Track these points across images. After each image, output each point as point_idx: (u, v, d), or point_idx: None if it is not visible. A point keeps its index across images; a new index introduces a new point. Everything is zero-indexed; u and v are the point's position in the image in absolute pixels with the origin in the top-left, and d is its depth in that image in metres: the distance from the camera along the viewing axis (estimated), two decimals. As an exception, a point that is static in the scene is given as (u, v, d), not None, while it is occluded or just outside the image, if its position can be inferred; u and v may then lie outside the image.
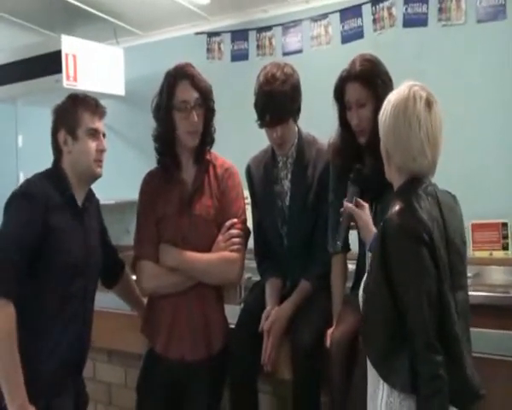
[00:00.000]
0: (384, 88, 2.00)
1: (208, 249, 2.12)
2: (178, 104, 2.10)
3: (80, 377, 2.11)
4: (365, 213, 1.88)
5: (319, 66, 4.01)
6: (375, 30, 4.01)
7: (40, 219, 1.89)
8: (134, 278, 2.41)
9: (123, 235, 3.92)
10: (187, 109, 2.09)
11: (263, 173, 2.33)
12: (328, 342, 1.95)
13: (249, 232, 2.21)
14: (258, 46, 4.46)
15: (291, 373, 2.06)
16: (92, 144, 2.03)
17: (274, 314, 2.13)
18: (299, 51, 4.28)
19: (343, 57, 4.14)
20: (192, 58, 4.66)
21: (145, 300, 2.32)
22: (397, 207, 1.50)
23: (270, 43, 4.41)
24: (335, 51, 4.08)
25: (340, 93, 2.05)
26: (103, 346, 2.63)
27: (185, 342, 2.09)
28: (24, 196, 1.93)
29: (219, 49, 4.63)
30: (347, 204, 1.89)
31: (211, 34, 4.65)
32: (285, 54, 4.33)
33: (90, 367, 2.73)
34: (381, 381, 1.51)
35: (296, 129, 2.28)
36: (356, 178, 1.93)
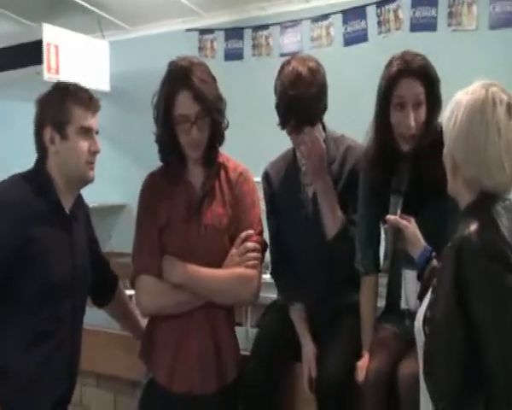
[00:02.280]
0: (439, 90, 1.77)
1: (219, 264, 1.85)
2: (177, 117, 1.82)
3: None
4: (412, 225, 1.64)
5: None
6: (379, 33, 3.81)
7: (16, 231, 1.61)
8: (129, 293, 2.14)
9: (104, 240, 3.65)
10: (187, 124, 1.81)
11: (284, 180, 2.08)
12: (360, 377, 1.71)
13: (266, 245, 1.96)
14: (254, 45, 4.23)
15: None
16: (84, 144, 1.75)
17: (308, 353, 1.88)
18: (298, 53, 4.05)
19: (345, 60, 3.95)
20: (182, 55, 4.53)
21: (144, 320, 2.04)
22: (475, 226, 1.27)
23: (267, 43, 4.18)
24: (337, 54, 3.88)
25: (389, 90, 1.76)
26: (91, 369, 2.33)
27: (193, 374, 1.81)
28: None
29: (212, 47, 4.38)
30: (391, 216, 1.65)
31: (203, 31, 4.41)
32: (283, 55, 4.07)
33: (77, 392, 2.42)
34: None
35: (321, 127, 2.04)
36: (398, 188, 1.68)
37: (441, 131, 1.76)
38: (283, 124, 1.96)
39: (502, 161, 1.31)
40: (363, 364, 1.73)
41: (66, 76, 4.07)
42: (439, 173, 1.70)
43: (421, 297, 1.47)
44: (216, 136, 1.89)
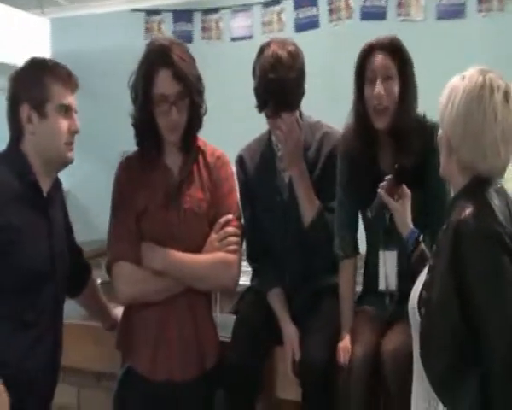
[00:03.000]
0: (412, 71, 1.81)
1: (199, 249, 1.81)
2: (156, 97, 1.75)
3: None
4: (404, 207, 1.68)
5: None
6: (330, 21, 3.87)
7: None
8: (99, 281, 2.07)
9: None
10: (166, 104, 1.76)
11: (259, 165, 2.06)
12: (342, 359, 1.74)
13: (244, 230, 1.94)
14: (203, 29, 4.17)
15: (296, 393, 1.82)
16: (64, 123, 1.66)
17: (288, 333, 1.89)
18: (249, 37, 4.04)
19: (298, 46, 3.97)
20: (128, 37, 4.40)
21: (115, 308, 1.98)
22: (470, 209, 1.31)
23: (218, 27, 4.13)
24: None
25: (362, 65, 1.80)
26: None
27: (174, 361, 1.77)
28: None
29: (159, 29, 4.29)
30: (382, 192, 1.68)
31: (150, 12, 4.30)
32: (233, 39, 4.08)
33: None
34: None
35: (298, 113, 2.04)
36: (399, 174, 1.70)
37: (421, 121, 1.84)
38: (261, 107, 1.94)
39: (497, 146, 1.35)
40: (344, 346, 1.76)
41: (2, 54, 3.87)
42: (417, 161, 1.76)
43: (413, 279, 1.50)
44: (194, 119, 1.84)
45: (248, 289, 2.11)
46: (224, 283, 1.84)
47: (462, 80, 1.39)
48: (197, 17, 4.17)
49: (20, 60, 4.21)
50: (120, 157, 4.69)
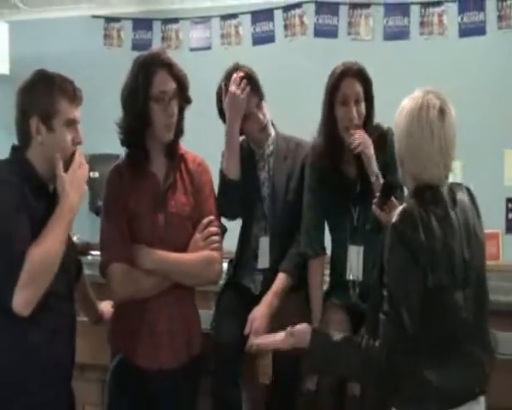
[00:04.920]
0: (372, 92, 2.08)
1: (184, 248, 1.99)
2: (156, 95, 1.94)
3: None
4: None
5: (229, 65, 4.00)
6: (286, 36, 4.11)
7: (24, 206, 1.67)
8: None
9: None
10: (165, 100, 1.95)
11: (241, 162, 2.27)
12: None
13: (225, 229, 2.13)
14: (163, 38, 4.33)
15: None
16: (69, 136, 1.79)
17: (251, 315, 2.09)
18: (208, 48, 4.23)
19: (254, 58, 4.19)
20: (87, 43, 4.48)
21: (100, 303, 2.13)
22: (400, 208, 1.58)
23: (177, 37, 4.30)
24: (246, 52, 4.10)
25: (334, 89, 2.06)
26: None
27: (164, 350, 1.94)
28: (2, 184, 1.70)
29: (119, 36, 4.40)
30: (375, 208, 1.90)
31: (109, 19, 4.40)
32: (193, 49, 4.25)
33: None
34: None
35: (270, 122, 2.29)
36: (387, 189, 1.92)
37: (382, 132, 2.11)
38: None
39: (436, 158, 1.59)
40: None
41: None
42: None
43: None
44: (179, 125, 2.03)
45: (228, 281, 2.31)
46: (209, 278, 2.04)
47: (408, 100, 1.63)
48: (157, 26, 4.32)
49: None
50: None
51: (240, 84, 2.15)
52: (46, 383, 1.73)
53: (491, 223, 3.75)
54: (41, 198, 1.74)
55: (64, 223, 1.72)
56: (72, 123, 1.78)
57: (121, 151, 2.14)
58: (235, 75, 2.17)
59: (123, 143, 2.04)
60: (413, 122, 1.60)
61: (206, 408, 2.22)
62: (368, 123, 2.09)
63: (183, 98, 2.02)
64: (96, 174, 3.52)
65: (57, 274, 1.69)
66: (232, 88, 2.15)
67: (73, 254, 1.91)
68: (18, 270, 1.62)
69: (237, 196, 2.20)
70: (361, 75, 2.07)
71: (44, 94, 1.74)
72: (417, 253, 1.53)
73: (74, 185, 1.75)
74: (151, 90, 1.94)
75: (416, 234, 1.53)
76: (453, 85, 3.74)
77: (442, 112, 1.60)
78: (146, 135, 1.99)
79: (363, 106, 2.07)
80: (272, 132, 2.28)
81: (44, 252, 1.65)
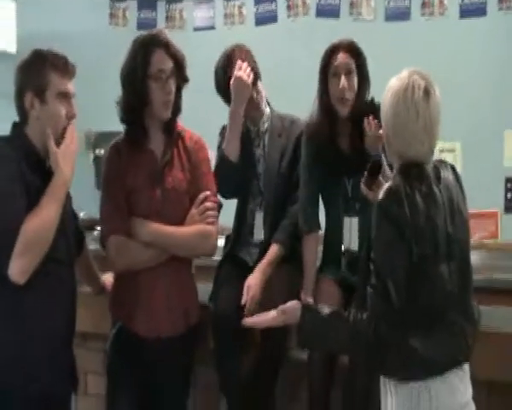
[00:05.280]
0: (366, 67, 2.18)
1: (181, 222, 2.07)
2: (155, 73, 2.02)
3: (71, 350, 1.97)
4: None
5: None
6: (288, 16, 4.14)
7: (21, 180, 1.75)
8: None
9: None
10: (162, 79, 2.03)
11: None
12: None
13: (221, 205, 2.21)
14: (167, 17, 4.37)
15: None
16: (62, 109, 1.87)
17: (246, 283, 2.19)
18: (212, 28, 4.27)
19: (257, 38, 4.25)
20: (92, 21, 4.53)
21: (102, 275, 2.22)
22: (386, 185, 1.65)
23: (181, 16, 4.34)
24: (249, 32, 4.14)
25: (327, 63, 2.15)
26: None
27: (162, 318, 2.03)
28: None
29: (124, 16, 4.44)
30: (363, 187, 1.96)
31: (115, -1, 4.45)
32: (196, 29, 4.30)
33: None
34: None
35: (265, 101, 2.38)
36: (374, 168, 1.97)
37: (373, 105, 2.17)
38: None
39: (421, 136, 1.65)
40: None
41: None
42: None
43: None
44: (177, 103, 2.10)
45: (226, 256, 2.41)
46: (204, 251, 2.12)
47: (395, 81, 1.69)
48: (161, 6, 4.36)
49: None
50: (85, 136, 4.83)
51: (245, 70, 2.23)
52: (44, 349, 1.81)
53: (491, 202, 3.82)
54: (38, 173, 1.82)
55: (58, 196, 1.79)
56: (64, 96, 1.85)
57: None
58: (239, 62, 2.24)
59: (122, 120, 2.11)
60: (399, 102, 1.65)
61: (201, 379, 2.33)
62: (360, 96, 2.16)
63: (181, 77, 2.09)
64: (103, 152, 3.63)
65: (56, 240, 1.77)
66: (239, 73, 2.22)
67: (73, 222, 1.99)
68: (13, 239, 1.69)
69: (236, 177, 2.30)
70: (353, 50, 2.16)
71: (37, 70, 1.82)
72: (402, 227, 1.59)
73: (67, 160, 1.82)
74: (149, 68, 2.01)
75: (401, 209, 1.59)
76: (453, 66, 3.82)
77: (427, 92, 1.66)
78: (144, 113, 2.07)
79: (355, 79, 2.15)
80: (267, 110, 2.36)
81: (38, 224, 1.73)
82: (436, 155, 1.77)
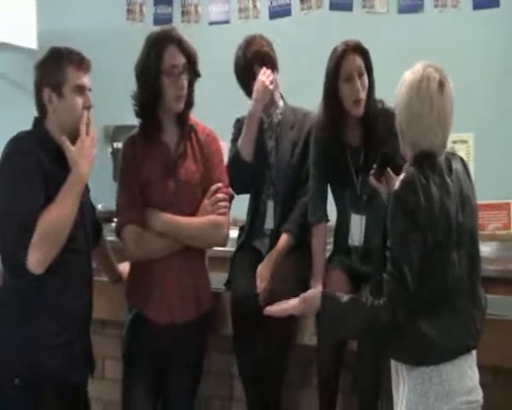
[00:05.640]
0: (372, 65, 2.21)
1: (194, 213, 2.15)
2: (168, 69, 2.09)
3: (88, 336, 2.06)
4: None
5: (247, 38, 4.10)
6: (302, 9, 4.18)
7: (41, 173, 1.84)
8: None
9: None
10: (175, 74, 2.10)
11: None
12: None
13: (233, 196, 2.28)
14: (183, 12, 4.43)
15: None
16: (79, 101, 1.95)
17: (258, 270, 2.27)
18: (226, 22, 4.33)
19: (271, 32, 4.28)
20: (111, 17, 4.62)
21: (120, 264, 2.31)
22: (401, 176, 1.70)
23: (196, 11, 4.40)
24: (264, 26, 4.16)
25: (337, 67, 2.18)
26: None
27: (176, 305, 2.12)
28: (21, 154, 1.86)
29: (141, 11, 4.51)
30: (372, 179, 1.98)
31: (132, -6, 4.52)
32: (211, 23, 4.36)
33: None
34: None
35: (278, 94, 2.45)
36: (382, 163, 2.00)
37: (382, 107, 2.23)
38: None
39: (435, 128, 1.70)
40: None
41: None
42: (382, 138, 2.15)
43: None
44: (189, 97, 2.17)
45: (242, 243, 2.50)
46: (216, 241, 2.20)
47: (409, 74, 1.74)
48: (177, 1, 4.42)
49: (6, 38, 4.41)
50: (103, 131, 4.92)
51: (269, 76, 2.32)
52: (62, 335, 1.90)
53: (503, 193, 3.83)
54: (58, 166, 1.91)
55: (74, 191, 1.87)
56: (81, 89, 1.94)
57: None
58: (264, 68, 2.34)
59: (137, 114, 2.20)
60: (413, 94, 1.70)
61: (214, 365, 2.41)
62: (370, 93, 2.21)
63: (193, 72, 2.16)
64: (120, 145, 3.71)
65: (74, 232, 1.87)
66: (263, 78, 2.32)
67: (91, 214, 2.09)
68: (30, 232, 1.77)
69: (248, 175, 2.36)
70: (360, 49, 2.20)
71: (54, 66, 1.92)
72: (417, 215, 1.64)
73: (83, 156, 1.90)
74: (162, 64, 2.09)
75: (416, 199, 1.64)
76: (467, 57, 3.83)
77: (441, 85, 1.71)
78: (158, 107, 2.15)
79: (365, 78, 2.19)
80: (281, 103, 2.43)
81: (54, 218, 1.81)
82: (449, 147, 1.82)
